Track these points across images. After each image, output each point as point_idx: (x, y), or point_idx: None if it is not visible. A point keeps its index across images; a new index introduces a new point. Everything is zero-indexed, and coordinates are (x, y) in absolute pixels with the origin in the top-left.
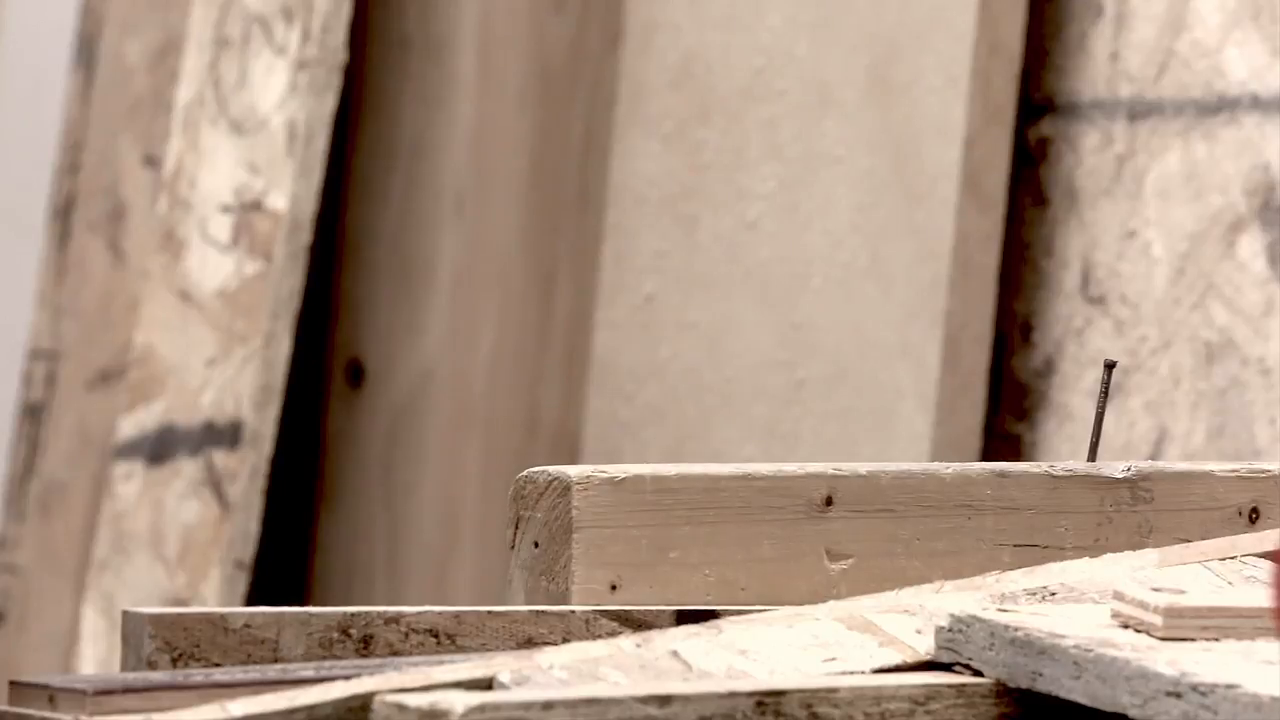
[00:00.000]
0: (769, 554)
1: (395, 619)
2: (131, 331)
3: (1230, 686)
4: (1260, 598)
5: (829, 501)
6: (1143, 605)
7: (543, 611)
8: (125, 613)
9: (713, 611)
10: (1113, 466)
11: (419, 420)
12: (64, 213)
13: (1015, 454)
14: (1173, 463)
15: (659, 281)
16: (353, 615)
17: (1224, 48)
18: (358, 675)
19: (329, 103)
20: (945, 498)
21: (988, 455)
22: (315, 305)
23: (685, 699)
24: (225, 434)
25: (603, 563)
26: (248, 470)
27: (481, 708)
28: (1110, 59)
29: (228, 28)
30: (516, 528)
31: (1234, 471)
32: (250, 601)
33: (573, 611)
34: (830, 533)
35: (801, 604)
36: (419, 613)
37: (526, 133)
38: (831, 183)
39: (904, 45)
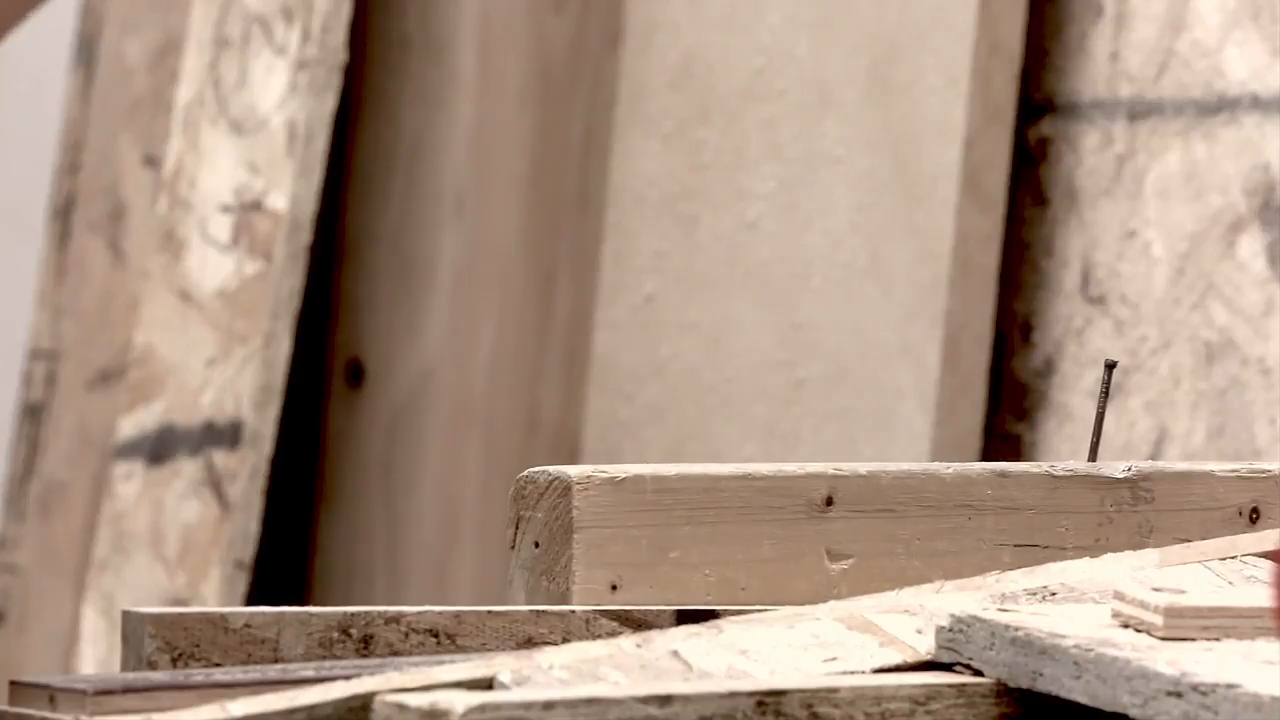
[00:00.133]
0: (769, 554)
1: (395, 619)
2: (131, 331)
3: (1231, 686)
4: (1261, 598)
5: (829, 501)
6: (1143, 605)
7: (543, 611)
8: (125, 613)
9: (713, 611)
10: (1113, 466)
11: (419, 420)
12: (64, 213)
13: (1015, 454)
14: (1173, 463)
15: (659, 281)
16: (353, 615)
17: (1224, 48)
18: (358, 675)
19: (329, 103)
20: (945, 498)
21: (988, 455)
22: (315, 305)
23: (686, 699)
24: (225, 434)
25: (603, 563)
26: (248, 470)
27: (481, 708)
28: (1110, 59)
29: (228, 28)
30: (517, 528)
31: (1234, 471)
32: (250, 601)
33: (573, 611)
34: (830, 533)
35: (802, 604)
36: (419, 613)
37: (526, 133)
38: (831, 183)
39: (904, 45)
